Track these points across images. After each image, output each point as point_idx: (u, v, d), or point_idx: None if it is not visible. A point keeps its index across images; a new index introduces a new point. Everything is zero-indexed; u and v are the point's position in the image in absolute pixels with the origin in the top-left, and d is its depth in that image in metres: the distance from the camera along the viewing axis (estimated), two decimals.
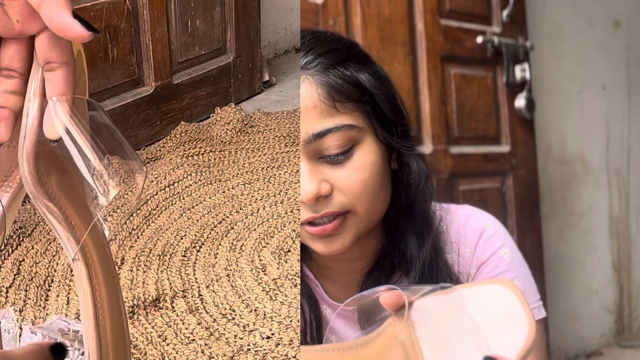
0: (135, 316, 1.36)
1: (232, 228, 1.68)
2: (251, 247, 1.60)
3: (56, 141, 0.46)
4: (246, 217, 1.72)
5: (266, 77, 2.49)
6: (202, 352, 1.29)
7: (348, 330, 0.78)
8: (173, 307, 1.40)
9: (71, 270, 1.47)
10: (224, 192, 1.83)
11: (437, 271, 0.74)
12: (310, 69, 0.68)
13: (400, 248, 0.75)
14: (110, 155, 0.46)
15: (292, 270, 1.52)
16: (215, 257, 1.56)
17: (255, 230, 1.67)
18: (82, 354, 0.50)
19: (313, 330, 0.78)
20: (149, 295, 1.41)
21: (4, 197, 0.50)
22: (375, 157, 0.69)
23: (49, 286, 1.44)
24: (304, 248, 0.79)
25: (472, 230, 0.78)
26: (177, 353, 1.29)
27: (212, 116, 2.20)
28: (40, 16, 0.44)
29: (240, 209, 1.76)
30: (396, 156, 0.73)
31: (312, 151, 0.67)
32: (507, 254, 0.77)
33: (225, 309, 1.41)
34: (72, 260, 0.49)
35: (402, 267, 0.75)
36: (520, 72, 1.43)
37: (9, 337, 0.55)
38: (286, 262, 1.55)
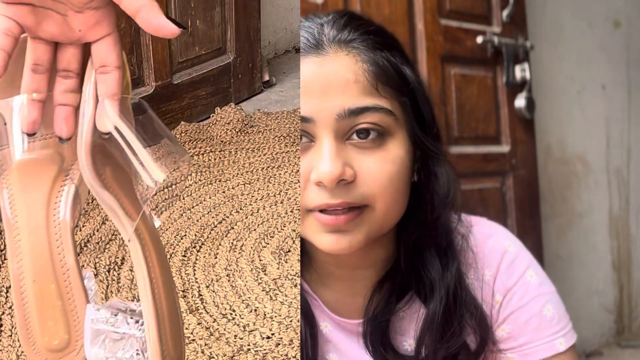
0: None
1: (232, 228, 1.68)
2: (251, 247, 1.60)
3: (107, 134, 0.52)
4: (246, 217, 1.72)
5: (266, 77, 2.49)
6: (202, 352, 1.29)
7: (351, 345, 0.74)
8: None
9: None
10: (224, 192, 1.83)
11: (461, 298, 0.70)
12: (356, 44, 0.63)
13: (420, 271, 0.70)
14: (155, 146, 0.53)
15: (292, 270, 1.52)
16: (215, 257, 1.57)
17: (255, 230, 1.67)
18: (142, 324, 0.55)
19: (308, 348, 0.73)
20: None
21: (75, 180, 0.57)
22: (405, 154, 0.64)
23: None
24: (303, 255, 0.75)
25: (492, 251, 0.73)
26: None
27: (212, 116, 2.20)
28: (103, 25, 0.51)
29: (240, 209, 1.76)
30: (418, 167, 0.68)
31: (342, 129, 0.61)
32: (533, 277, 0.73)
33: (225, 309, 1.41)
34: (128, 241, 0.54)
35: (421, 292, 0.71)
36: (520, 72, 1.43)
37: (92, 294, 0.59)
38: (286, 262, 1.55)
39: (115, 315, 0.56)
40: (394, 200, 0.64)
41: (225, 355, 1.29)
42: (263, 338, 1.33)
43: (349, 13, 0.66)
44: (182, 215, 1.72)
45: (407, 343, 0.73)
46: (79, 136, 0.53)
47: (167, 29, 0.50)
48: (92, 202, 1.66)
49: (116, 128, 0.52)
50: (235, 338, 1.33)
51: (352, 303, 0.74)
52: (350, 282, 0.73)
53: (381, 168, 0.62)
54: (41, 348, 0.58)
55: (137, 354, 0.55)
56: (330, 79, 0.61)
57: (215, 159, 1.99)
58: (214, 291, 1.45)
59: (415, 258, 0.70)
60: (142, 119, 0.55)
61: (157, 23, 0.50)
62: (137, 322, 0.55)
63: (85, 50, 0.54)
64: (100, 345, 0.55)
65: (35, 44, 0.52)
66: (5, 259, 1.50)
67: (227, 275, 1.50)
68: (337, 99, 0.61)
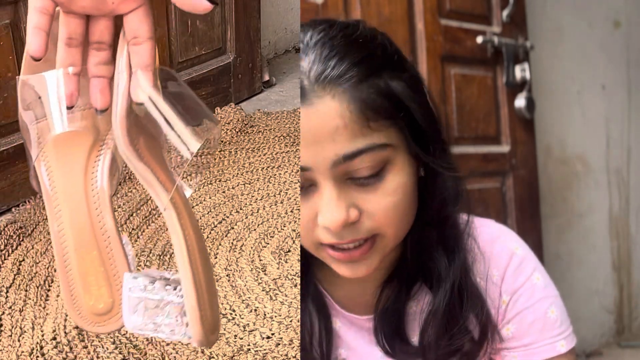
0: None
1: (232, 228, 1.68)
2: (251, 247, 1.60)
3: (141, 104, 0.54)
4: (246, 217, 1.72)
5: (266, 77, 2.49)
6: (202, 352, 1.29)
7: (360, 341, 0.76)
8: None
9: None
10: (224, 192, 1.83)
11: (466, 293, 0.71)
12: (342, 82, 0.59)
13: (427, 264, 0.71)
14: (187, 115, 0.54)
15: (292, 270, 1.52)
16: (215, 257, 1.56)
17: (255, 230, 1.67)
18: (180, 291, 0.56)
19: (322, 344, 0.74)
20: None
21: (107, 155, 0.59)
22: (407, 178, 0.63)
23: (49, 286, 1.44)
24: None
25: (499, 253, 0.74)
26: (177, 353, 1.29)
27: None
28: None
29: (240, 209, 1.76)
30: (424, 165, 0.68)
31: (340, 173, 0.61)
32: (539, 280, 0.74)
33: (225, 309, 1.41)
34: (164, 210, 0.55)
35: (427, 283, 0.72)
36: (520, 72, 1.43)
37: (130, 258, 0.61)
38: (286, 262, 1.55)
39: (153, 283, 0.56)
40: (402, 222, 0.65)
41: (225, 355, 1.29)
42: (263, 338, 1.33)
43: (329, 38, 0.62)
44: None
45: (415, 336, 0.75)
46: (114, 107, 0.54)
47: (202, 4, 0.51)
48: None
49: (150, 99, 0.53)
50: (235, 338, 1.33)
51: (362, 300, 0.75)
52: (361, 282, 0.74)
53: (385, 202, 0.62)
54: (86, 313, 0.59)
55: (176, 319, 0.56)
56: (320, 129, 0.59)
57: (215, 159, 1.99)
58: None
59: (423, 256, 0.71)
60: (171, 88, 0.56)
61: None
62: (175, 288, 0.56)
63: (117, 22, 0.55)
64: (139, 312, 0.56)
65: (69, 18, 0.53)
66: (5, 259, 1.50)
67: (227, 275, 1.50)
68: (330, 147, 0.59)
